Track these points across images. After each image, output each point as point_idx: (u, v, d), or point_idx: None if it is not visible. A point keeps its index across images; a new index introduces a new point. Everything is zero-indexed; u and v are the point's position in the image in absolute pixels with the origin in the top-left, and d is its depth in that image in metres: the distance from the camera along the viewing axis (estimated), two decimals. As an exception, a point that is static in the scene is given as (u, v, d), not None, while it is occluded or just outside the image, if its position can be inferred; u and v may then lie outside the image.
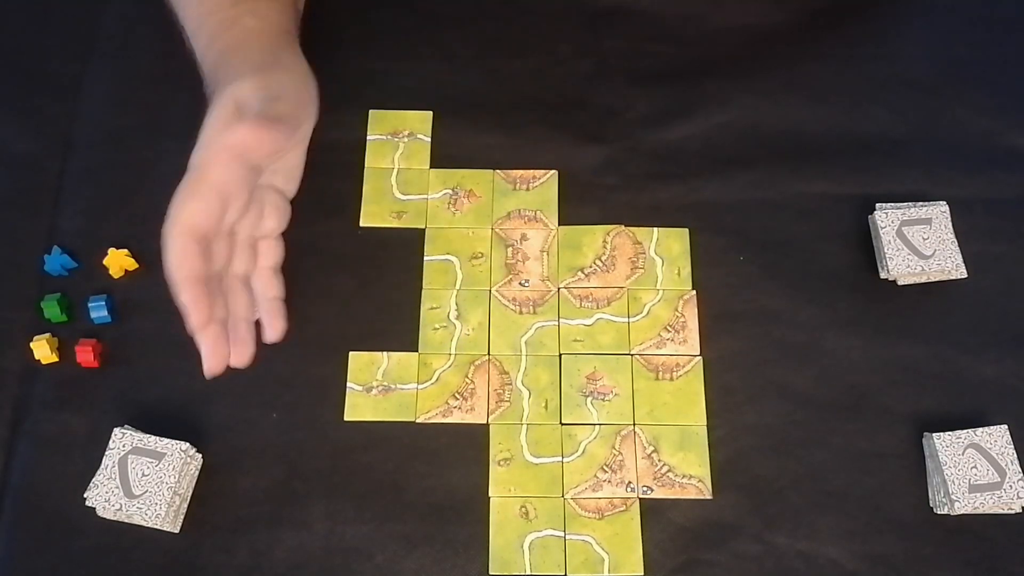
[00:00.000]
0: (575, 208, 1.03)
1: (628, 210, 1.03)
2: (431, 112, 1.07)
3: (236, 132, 0.85)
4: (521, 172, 1.04)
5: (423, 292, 1.01)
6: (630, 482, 0.94)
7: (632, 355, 0.98)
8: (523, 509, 0.93)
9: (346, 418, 0.96)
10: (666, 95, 1.08)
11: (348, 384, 0.97)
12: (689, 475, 0.94)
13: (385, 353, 0.98)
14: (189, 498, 0.93)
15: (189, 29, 0.97)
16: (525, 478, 0.94)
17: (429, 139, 1.06)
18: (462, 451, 0.96)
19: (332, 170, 1.03)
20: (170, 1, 0.99)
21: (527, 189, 1.03)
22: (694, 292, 1.00)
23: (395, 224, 1.03)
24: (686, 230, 1.02)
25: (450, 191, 1.04)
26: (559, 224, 1.03)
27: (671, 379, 0.97)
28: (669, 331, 0.99)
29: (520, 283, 1.00)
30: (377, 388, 0.97)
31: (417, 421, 0.96)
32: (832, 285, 1.01)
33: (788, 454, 0.96)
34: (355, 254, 1.01)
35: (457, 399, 0.97)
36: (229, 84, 0.88)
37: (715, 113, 1.07)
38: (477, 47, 1.11)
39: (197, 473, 0.94)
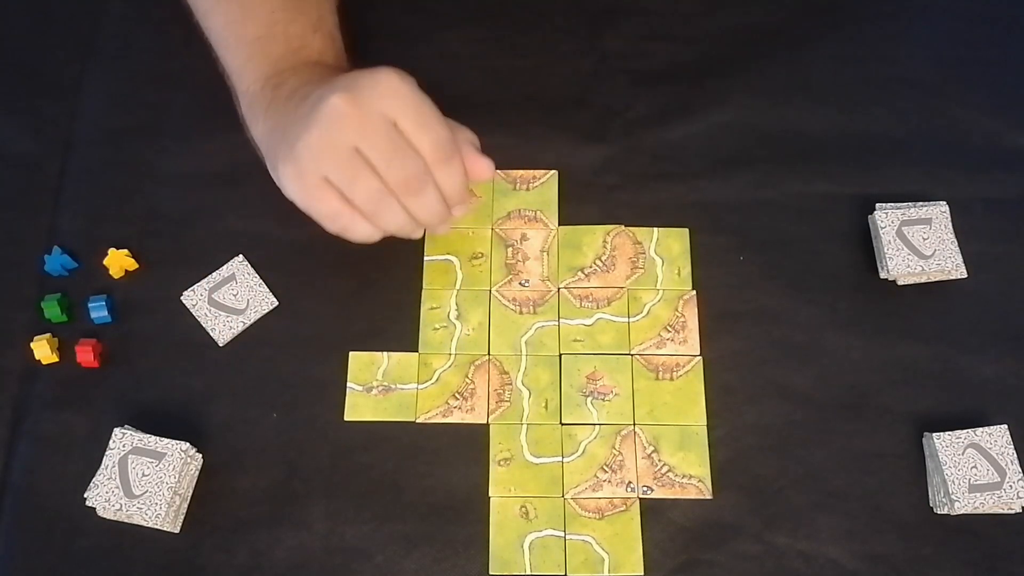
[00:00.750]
0: (575, 208, 1.03)
1: (628, 210, 1.03)
2: None
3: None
4: (521, 172, 1.04)
5: (423, 292, 1.01)
6: (630, 482, 0.94)
7: (632, 355, 0.98)
8: (523, 509, 0.93)
9: (346, 418, 0.96)
10: (666, 95, 1.08)
11: (348, 384, 0.97)
12: (689, 475, 0.94)
13: (385, 353, 0.99)
14: (189, 498, 0.93)
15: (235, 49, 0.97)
16: (525, 478, 0.94)
17: None
18: (462, 451, 0.96)
19: None
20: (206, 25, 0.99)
21: (527, 189, 1.03)
22: (694, 292, 1.00)
23: None
24: (686, 230, 1.02)
25: None
26: (559, 224, 1.03)
27: (671, 379, 0.97)
28: (669, 331, 0.99)
29: (520, 283, 1.00)
30: (377, 388, 0.97)
31: (417, 421, 0.96)
32: (832, 285, 1.01)
33: (788, 454, 0.96)
34: (355, 254, 1.01)
35: (457, 399, 0.97)
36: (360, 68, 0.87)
37: (715, 113, 1.07)
38: (477, 47, 1.11)
39: (197, 473, 0.94)
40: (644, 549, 0.92)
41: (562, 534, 0.92)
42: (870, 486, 0.95)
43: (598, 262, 1.01)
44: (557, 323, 0.99)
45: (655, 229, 1.02)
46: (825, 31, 1.11)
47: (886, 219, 1.00)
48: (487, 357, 0.98)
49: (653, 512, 0.93)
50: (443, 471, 0.95)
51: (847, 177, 1.05)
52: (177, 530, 0.92)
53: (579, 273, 1.00)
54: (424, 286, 1.01)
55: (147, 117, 1.08)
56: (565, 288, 1.00)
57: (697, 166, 1.05)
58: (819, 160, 1.05)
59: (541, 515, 0.93)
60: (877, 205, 1.01)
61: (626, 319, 0.99)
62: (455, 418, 0.96)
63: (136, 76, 1.10)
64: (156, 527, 0.91)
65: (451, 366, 0.98)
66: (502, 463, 0.94)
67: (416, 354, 0.99)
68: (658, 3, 1.11)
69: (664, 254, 1.01)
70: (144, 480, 0.90)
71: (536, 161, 1.04)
